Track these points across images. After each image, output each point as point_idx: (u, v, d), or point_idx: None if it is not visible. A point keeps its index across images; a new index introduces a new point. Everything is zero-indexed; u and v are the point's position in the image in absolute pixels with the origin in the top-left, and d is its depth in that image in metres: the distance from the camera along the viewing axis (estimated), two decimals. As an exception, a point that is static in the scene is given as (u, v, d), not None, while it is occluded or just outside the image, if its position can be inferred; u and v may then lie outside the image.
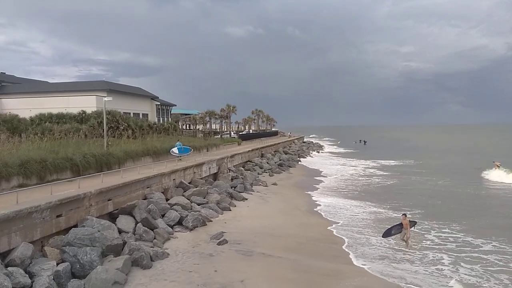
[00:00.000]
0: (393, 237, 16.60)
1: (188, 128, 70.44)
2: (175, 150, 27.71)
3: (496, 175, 36.01)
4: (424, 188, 32.31)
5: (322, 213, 21.88)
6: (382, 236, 16.36)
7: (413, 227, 16.78)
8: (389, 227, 16.63)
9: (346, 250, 15.53)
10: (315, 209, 22.80)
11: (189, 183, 23.36)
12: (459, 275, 13.17)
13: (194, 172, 25.24)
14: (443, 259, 14.69)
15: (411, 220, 16.85)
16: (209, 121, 66.28)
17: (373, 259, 14.54)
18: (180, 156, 27.44)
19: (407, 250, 15.48)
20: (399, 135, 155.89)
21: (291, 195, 27.47)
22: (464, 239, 17.31)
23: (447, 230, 18.57)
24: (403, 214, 16.72)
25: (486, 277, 13.02)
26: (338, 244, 16.30)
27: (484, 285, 12.38)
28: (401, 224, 16.19)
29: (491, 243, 16.57)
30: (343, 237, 17.24)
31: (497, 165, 38.89)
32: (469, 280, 12.81)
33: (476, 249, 15.87)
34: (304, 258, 14.33)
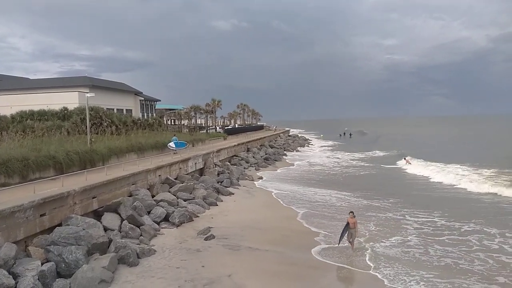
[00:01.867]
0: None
1: (173, 123, 70.01)
2: (172, 144, 28.93)
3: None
4: (405, 178, 33.54)
5: (304, 207, 21.87)
6: (338, 244, 14.68)
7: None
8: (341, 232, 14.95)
9: (327, 242, 15.54)
10: (299, 203, 22.89)
11: (175, 179, 23.28)
12: (430, 257, 13.69)
13: (180, 168, 25.15)
14: (417, 243, 15.29)
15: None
16: (194, 116, 66.02)
17: (354, 250, 14.54)
18: (176, 150, 28.46)
19: (351, 252, 14.29)
20: (387, 128, 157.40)
21: (276, 189, 27.53)
22: (442, 223, 18.09)
23: (424, 216, 19.33)
24: (350, 212, 14.93)
25: (465, 258, 13.59)
26: (322, 236, 16.38)
27: (447, 262, 12.72)
28: (348, 224, 14.50)
29: (469, 224, 17.52)
30: (321, 230, 17.09)
31: (408, 161, 41.24)
32: (445, 261, 13.31)
33: (456, 232, 16.64)
34: (289, 250, 14.46)
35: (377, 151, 57.14)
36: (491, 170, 33.47)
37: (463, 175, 31.91)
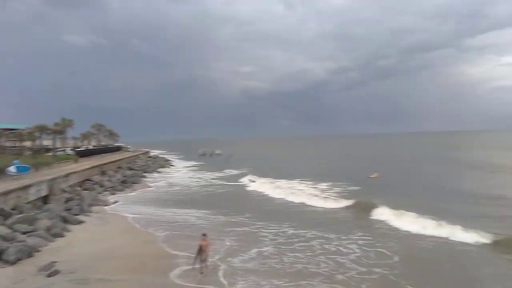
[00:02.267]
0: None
1: (13, 145, 61.30)
2: (12, 169, 26.25)
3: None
4: (253, 195, 35.54)
5: (164, 229, 21.29)
6: (194, 266, 14.24)
7: None
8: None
9: (187, 263, 15.25)
10: (158, 226, 22.22)
11: (12, 209, 20.28)
12: (283, 265, 15.01)
13: (19, 196, 22.03)
14: (273, 252, 16.64)
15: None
16: (39, 136, 59.16)
17: (211, 269, 14.64)
18: (17, 175, 25.90)
19: (206, 273, 14.11)
20: (242, 148, 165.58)
21: (133, 213, 26.25)
22: (292, 232, 20.06)
23: (276, 227, 21.02)
24: (203, 235, 14.67)
25: (312, 262, 15.24)
26: (182, 258, 16.10)
27: (299, 267, 14.22)
28: (201, 247, 14.13)
29: (312, 232, 19.87)
30: (181, 252, 16.80)
31: (251, 179, 45.18)
32: (296, 267, 14.75)
33: (303, 239, 18.66)
34: (146, 277, 13.85)
35: (233, 170, 59.44)
36: (326, 183, 38.31)
37: (301, 189, 35.66)
